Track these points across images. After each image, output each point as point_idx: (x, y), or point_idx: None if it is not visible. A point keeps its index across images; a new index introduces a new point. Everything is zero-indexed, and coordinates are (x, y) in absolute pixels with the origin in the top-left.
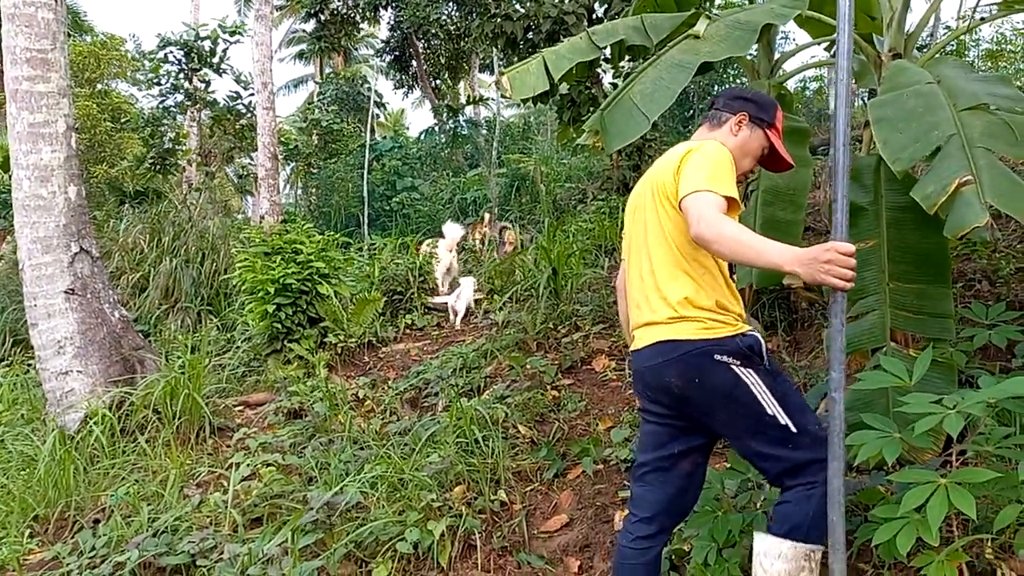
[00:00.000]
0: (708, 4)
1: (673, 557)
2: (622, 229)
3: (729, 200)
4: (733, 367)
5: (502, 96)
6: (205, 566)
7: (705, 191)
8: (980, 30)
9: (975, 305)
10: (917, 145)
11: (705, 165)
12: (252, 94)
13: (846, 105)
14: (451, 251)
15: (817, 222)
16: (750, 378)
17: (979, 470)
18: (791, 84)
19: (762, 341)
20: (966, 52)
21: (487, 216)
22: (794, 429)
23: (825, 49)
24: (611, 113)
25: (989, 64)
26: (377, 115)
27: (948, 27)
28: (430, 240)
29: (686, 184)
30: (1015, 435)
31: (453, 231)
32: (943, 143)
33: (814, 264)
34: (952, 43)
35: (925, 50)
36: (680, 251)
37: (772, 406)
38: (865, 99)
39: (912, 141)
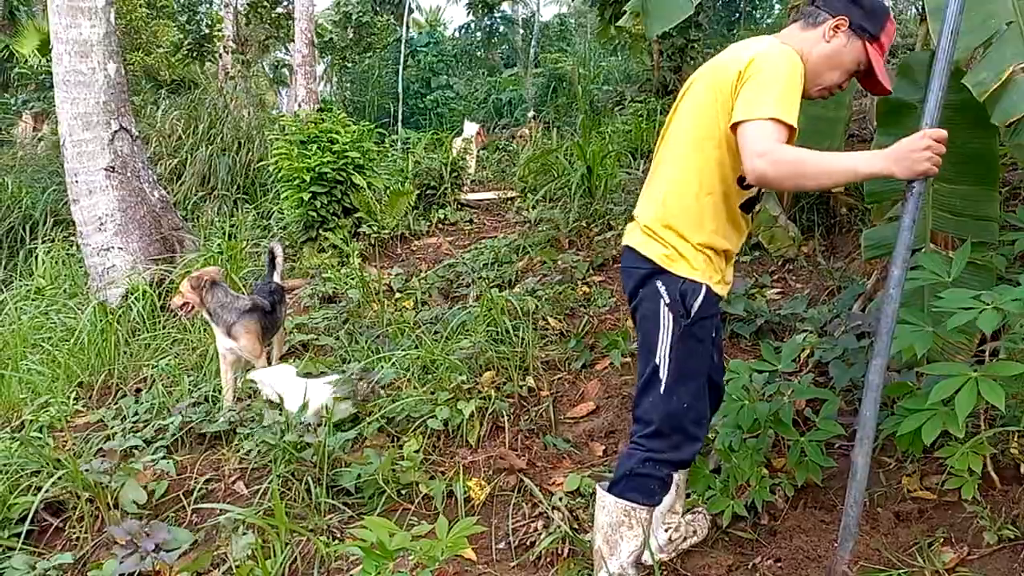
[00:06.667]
0: None
1: None
2: (660, 131)
3: (790, 129)
4: (662, 302)
5: None
6: (244, 433)
7: (767, 120)
8: None
9: (1020, 210)
10: (972, 35)
11: (773, 84)
12: None
13: None
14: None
15: (862, 129)
16: (665, 320)
17: (1012, 363)
18: None
19: (700, 297)
20: None
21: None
22: (662, 389)
23: None
24: None
25: None
26: (412, 11)
27: None
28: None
29: (748, 104)
30: None
31: (468, 128)
32: (1000, 31)
33: (911, 156)
34: None
35: None
36: (695, 172)
37: (663, 355)
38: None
39: (968, 31)
